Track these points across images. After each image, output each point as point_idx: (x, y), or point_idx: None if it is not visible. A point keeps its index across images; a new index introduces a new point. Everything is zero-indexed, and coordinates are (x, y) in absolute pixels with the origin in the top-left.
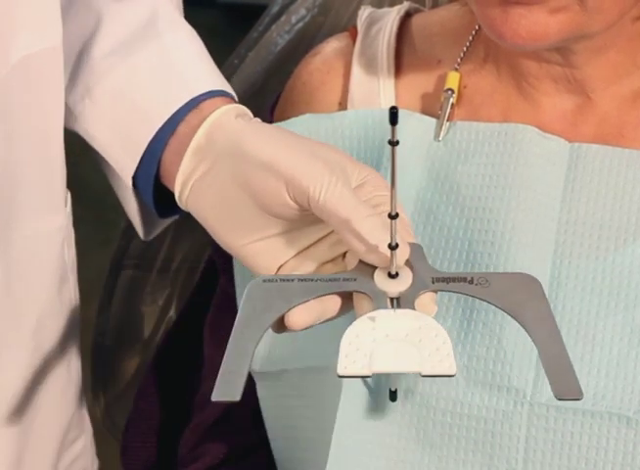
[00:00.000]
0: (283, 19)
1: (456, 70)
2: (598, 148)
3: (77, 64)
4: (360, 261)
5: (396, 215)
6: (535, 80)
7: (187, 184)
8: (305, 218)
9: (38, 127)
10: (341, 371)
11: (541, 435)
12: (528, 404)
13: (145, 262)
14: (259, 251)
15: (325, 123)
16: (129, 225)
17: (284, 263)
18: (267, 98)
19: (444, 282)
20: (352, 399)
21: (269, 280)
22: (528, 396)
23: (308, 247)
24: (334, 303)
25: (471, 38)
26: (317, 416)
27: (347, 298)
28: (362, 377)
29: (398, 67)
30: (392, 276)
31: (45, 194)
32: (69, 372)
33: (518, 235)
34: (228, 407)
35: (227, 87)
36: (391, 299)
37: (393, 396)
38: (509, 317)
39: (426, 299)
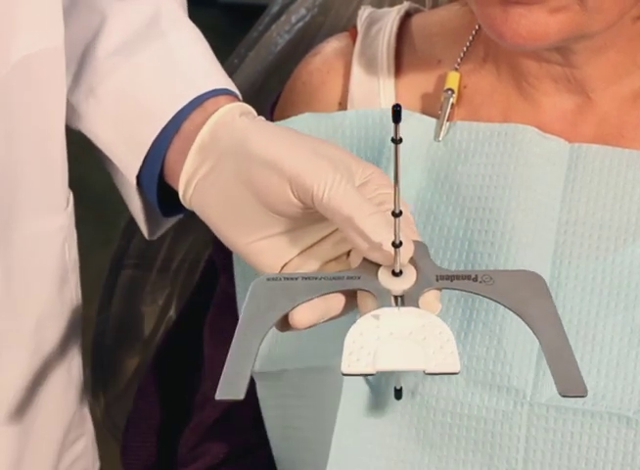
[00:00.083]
0: (283, 18)
1: (456, 69)
2: (598, 148)
3: (81, 63)
4: (364, 260)
5: (400, 213)
6: (535, 80)
7: (191, 183)
8: (309, 217)
9: (39, 127)
10: (344, 369)
11: (541, 435)
12: (528, 405)
13: (145, 262)
14: (263, 249)
15: (325, 123)
16: (129, 225)
17: (288, 262)
18: (267, 98)
19: (448, 280)
20: (353, 400)
21: (273, 279)
22: (528, 396)
23: (312, 245)
24: (338, 301)
25: (471, 38)
26: (317, 416)
27: (351, 296)
28: (366, 375)
29: (398, 67)
30: (396, 274)
31: (45, 194)
32: (70, 372)
33: (518, 235)
34: (228, 407)
35: (231, 86)
36: (395, 297)
37: (398, 394)
38: (509, 318)
39: (430, 296)
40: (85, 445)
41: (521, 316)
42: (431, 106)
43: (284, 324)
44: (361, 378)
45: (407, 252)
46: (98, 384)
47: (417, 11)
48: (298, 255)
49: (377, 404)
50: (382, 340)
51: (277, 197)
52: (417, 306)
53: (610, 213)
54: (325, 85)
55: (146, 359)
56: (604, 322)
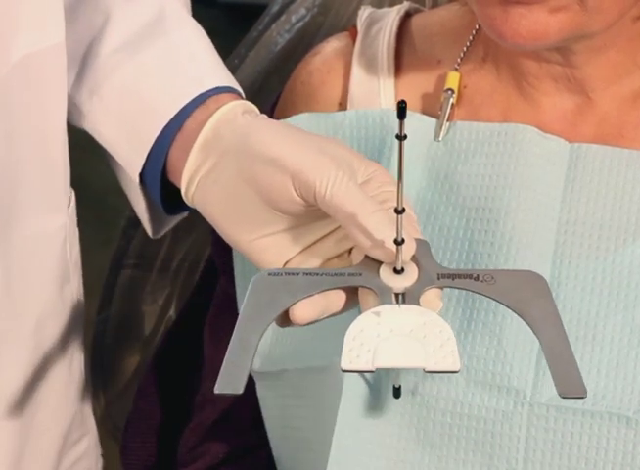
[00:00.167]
0: (283, 18)
1: (456, 69)
2: (598, 148)
3: (85, 61)
4: (366, 257)
5: (403, 210)
6: (535, 80)
7: (193, 180)
8: (311, 214)
9: (39, 127)
10: (344, 366)
11: (541, 435)
12: (528, 405)
13: (145, 262)
14: (265, 247)
15: (325, 123)
16: (129, 225)
17: (290, 259)
18: (267, 98)
19: (450, 278)
20: (352, 400)
21: (274, 274)
22: (528, 396)
23: (314, 243)
24: (338, 297)
25: (471, 38)
26: (317, 416)
27: (352, 293)
28: (365, 372)
29: (398, 67)
30: (398, 272)
31: (46, 193)
32: (71, 372)
33: (518, 235)
34: (228, 408)
35: (234, 83)
36: (397, 294)
37: (397, 392)
38: (509, 318)
39: (431, 295)
40: (88, 444)
41: (521, 316)
42: (431, 106)
43: (284, 320)
44: (361, 378)
45: (409, 249)
46: (98, 383)
47: (417, 11)
48: (301, 252)
49: (377, 404)
50: (382, 337)
51: (279, 194)
52: (418, 304)
53: (610, 213)
54: (325, 85)
55: (146, 359)
56: (604, 322)
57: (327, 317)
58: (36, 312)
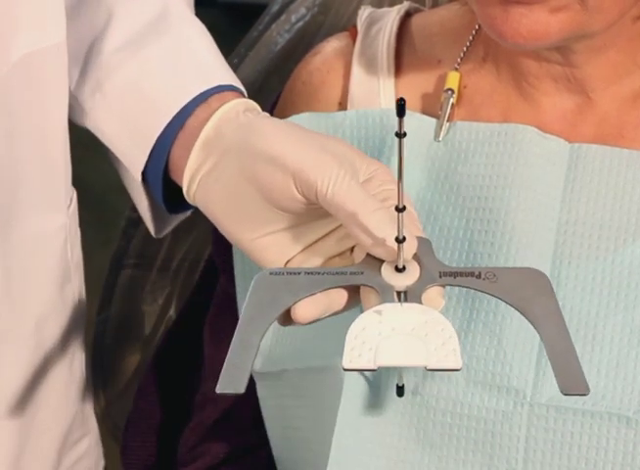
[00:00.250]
0: (283, 18)
1: (456, 69)
2: (598, 148)
3: (88, 59)
4: (367, 255)
5: (404, 208)
6: (535, 80)
7: (195, 178)
8: (313, 213)
9: (40, 126)
10: (346, 364)
11: (541, 435)
12: (528, 405)
13: (145, 262)
14: (267, 245)
15: (325, 123)
16: (129, 225)
17: (291, 258)
18: (267, 97)
19: (452, 276)
20: (353, 399)
21: (276, 273)
22: (528, 396)
23: (316, 241)
24: (340, 296)
25: (471, 38)
26: (317, 416)
27: (354, 291)
28: (367, 370)
29: (398, 66)
30: (400, 270)
31: (46, 192)
32: (72, 372)
33: (518, 235)
34: (228, 407)
35: (236, 82)
36: (398, 292)
37: (400, 391)
38: (509, 318)
39: (433, 293)
40: (89, 444)
41: (523, 314)
42: (431, 106)
43: (286, 319)
44: (361, 378)
45: (410, 248)
46: (98, 383)
47: (417, 11)
48: (302, 251)
49: (377, 404)
50: (384, 335)
51: (281, 193)
52: (420, 303)
53: (610, 213)
54: (325, 85)
55: (146, 359)
56: (604, 322)
57: (329, 316)
58: (37, 312)
